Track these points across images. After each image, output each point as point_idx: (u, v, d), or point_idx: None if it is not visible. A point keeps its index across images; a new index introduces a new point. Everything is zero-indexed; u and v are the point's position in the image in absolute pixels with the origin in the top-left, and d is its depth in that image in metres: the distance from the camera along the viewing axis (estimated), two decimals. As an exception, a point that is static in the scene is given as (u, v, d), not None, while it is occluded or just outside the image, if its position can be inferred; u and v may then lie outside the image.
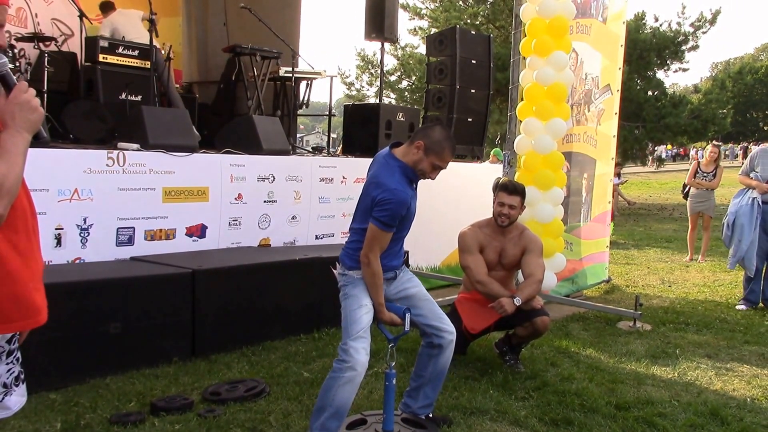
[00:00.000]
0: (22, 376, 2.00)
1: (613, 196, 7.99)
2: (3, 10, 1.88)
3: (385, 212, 2.96)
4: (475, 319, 4.31)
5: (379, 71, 11.86)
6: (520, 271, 4.47)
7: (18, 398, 1.98)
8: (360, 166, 6.36)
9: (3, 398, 1.93)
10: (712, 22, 17.44)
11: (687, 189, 9.66)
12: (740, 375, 4.47)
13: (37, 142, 1.91)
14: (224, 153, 5.64)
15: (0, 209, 1.65)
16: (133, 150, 5.03)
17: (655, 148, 25.83)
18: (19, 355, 1.98)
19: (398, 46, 19.66)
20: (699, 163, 9.50)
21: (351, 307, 3.08)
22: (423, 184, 3.21)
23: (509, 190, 4.29)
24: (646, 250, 10.76)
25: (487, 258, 4.33)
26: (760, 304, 6.40)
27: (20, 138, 1.75)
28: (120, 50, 6.50)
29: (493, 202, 4.36)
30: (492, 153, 13.06)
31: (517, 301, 4.08)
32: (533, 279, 4.23)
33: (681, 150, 41.56)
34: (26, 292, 1.85)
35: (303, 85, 8.19)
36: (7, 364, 1.93)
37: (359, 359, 2.95)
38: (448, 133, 3.13)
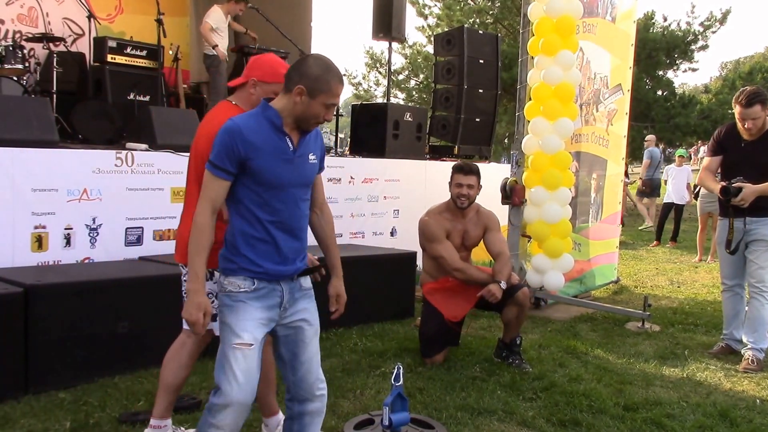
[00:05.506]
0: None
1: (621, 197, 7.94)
2: None
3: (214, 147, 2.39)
4: (454, 307, 4.37)
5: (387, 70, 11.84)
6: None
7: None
8: (368, 167, 6.31)
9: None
10: (722, 21, 17.32)
11: (697, 189, 9.61)
12: (749, 376, 4.44)
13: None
14: (232, 153, 5.63)
15: None
16: (142, 150, 5.05)
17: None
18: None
19: (406, 45, 19.61)
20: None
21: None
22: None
23: (465, 170, 4.36)
24: (654, 251, 10.71)
25: (452, 243, 4.39)
26: None
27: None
28: (128, 50, 6.54)
29: (449, 185, 4.42)
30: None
31: (503, 285, 4.19)
32: (504, 257, 4.35)
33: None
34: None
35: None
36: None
37: (238, 386, 2.37)
38: (324, 60, 2.44)
